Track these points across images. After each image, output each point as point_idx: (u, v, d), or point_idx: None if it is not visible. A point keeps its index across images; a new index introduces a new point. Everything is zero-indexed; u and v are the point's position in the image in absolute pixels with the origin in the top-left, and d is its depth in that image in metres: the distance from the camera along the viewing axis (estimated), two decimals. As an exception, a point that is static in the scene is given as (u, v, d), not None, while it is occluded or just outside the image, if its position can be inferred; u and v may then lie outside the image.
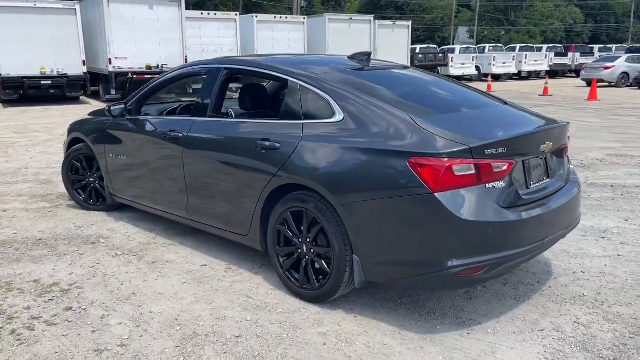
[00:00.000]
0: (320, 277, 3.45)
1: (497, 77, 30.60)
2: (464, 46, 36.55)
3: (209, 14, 20.90)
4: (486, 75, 28.65)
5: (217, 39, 20.32)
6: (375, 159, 3.13)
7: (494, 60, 29.96)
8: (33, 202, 5.90)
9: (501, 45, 38.56)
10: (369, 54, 4.16)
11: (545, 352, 3.02)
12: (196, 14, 20.72)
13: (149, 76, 17.09)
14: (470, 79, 29.78)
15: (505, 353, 3.00)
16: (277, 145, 3.57)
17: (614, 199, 6.06)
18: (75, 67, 17.23)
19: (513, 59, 30.84)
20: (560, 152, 3.72)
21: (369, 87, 3.58)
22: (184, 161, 4.20)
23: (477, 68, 29.51)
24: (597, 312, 3.47)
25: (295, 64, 3.94)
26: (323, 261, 3.41)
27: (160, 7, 17.57)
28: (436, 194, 2.92)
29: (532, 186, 3.36)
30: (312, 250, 3.46)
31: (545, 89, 20.45)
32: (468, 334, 3.21)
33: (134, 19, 17.14)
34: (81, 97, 18.52)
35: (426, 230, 2.99)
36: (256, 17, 21.43)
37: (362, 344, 3.07)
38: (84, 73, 17.43)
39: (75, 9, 17.16)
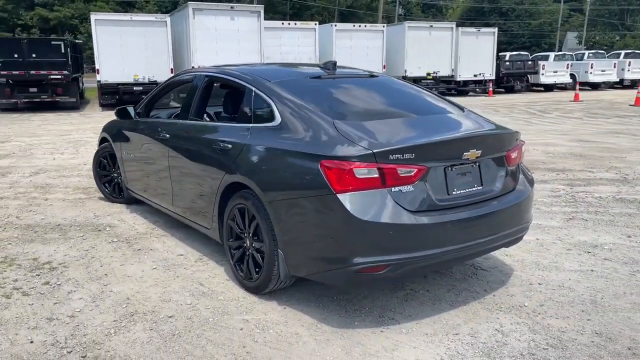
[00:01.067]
0: (257, 269, 3.73)
1: (595, 86, 28.80)
2: (560, 53, 34.71)
3: (289, 23, 21.70)
4: (584, 83, 27.09)
5: (296, 47, 21.06)
6: (297, 160, 3.37)
7: (591, 67, 28.20)
8: (73, 193, 6.68)
9: (603, 52, 36.07)
10: (334, 63, 4.37)
11: (445, 353, 3.09)
12: (277, 23, 21.62)
13: (228, 83, 18.16)
14: (564, 87, 28.30)
15: (405, 351, 3.11)
16: (229, 146, 3.91)
17: (631, 215, 5.74)
18: (164, 74, 18.65)
19: (614, 67, 28.83)
20: (500, 160, 3.71)
21: (312, 95, 3.81)
22: (169, 160, 4.67)
23: (573, 76, 27.95)
24: (525, 322, 3.45)
25: (259, 72, 4.24)
26: (259, 255, 3.70)
27: (241, 17, 18.57)
28: (338, 195, 3.11)
29: (454, 192, 3.42)
30: (253, 245, 3.76)
31: (637, 99, 19.02)
32: (381, 331, 3.34)
33: (216, 30, 18.27)
34: (169, 102, 19.97)
35: (332, 229, 3.18)
36: (335, 25, 21.92)
37: (275, 332, 3.31)
38: (169, 80, 18.82)
39: (165, 21, 18.63)
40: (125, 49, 18.09)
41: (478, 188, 3.57)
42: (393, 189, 3.17)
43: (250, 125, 3.87)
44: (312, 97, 3.75)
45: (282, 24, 21.69)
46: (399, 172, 3.16)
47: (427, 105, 4.10)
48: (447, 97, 4.43)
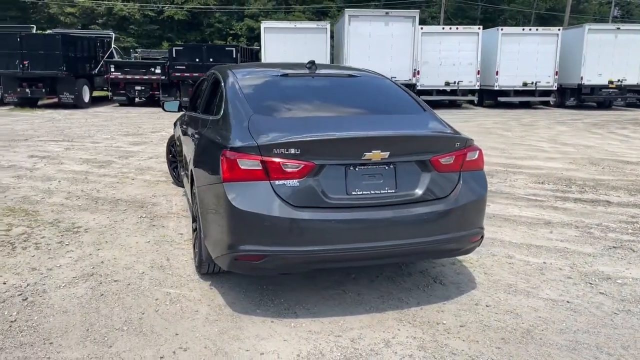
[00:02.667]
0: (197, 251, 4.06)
1: None
2: None
3: (450, 28, 21.19)
4: None
5: (456, 52, 20.50)
6: (212, 151, 3.63)
7: None
8: (156, 177, 7.68)
9: None
10: (312, 62, 4.43)
11: (307, 351, 3.09)
12: (437, 28, 21.31)
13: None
14: None
15: (273, 342, 3.18)
16: (197, 137, 4.30)
17: (699, 251, 4.74)
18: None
19: None
20: (423, 165, 3.48)
21: (259, 92, 4.00)
22: (189, 146, 5.22)
23: None
24: (422, 338, 3.25)
25: (239, 70, 4.49)
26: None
27: (396, 23, 18.77)
28: (224, 184, 3.29)
29: (355, 193, 3.34)
30: (194, 227, 4.10)
31: None
32: (272, 321, 3.43)
33: (369, 35, 18.73)
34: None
35: (221, 216, 3.37)
36: (501, 29, 20.79)
37: (180, 307, 3.60)
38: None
39: (326, 28, 19.66)
40: (287, 53, 19.50)
41: (390, 191, 3.42)
42: (277, 182, 3.24)
43: (210, 117, 4.19)
44: (257, 94, 3.94)
45: (443, 28, 21.30)
46: (283, 166, 3.22)
47: (374, 106, 4.00)
48: (421, 101, 4.21)
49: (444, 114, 15.85)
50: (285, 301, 3.70)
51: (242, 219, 3.24)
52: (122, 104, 20.70)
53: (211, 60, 18.97)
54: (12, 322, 3.36)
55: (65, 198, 6.35)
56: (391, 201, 3.41)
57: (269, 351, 3.08)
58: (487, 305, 3.69)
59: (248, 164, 3.24)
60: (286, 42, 19.55)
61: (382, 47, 18.74)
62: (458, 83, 20.64)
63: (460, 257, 4.53)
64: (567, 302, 3.75)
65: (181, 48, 19.70)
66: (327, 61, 19.53)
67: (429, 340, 3.22)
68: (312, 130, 3.40)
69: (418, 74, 19.66)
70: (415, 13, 19.00)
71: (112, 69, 19.72)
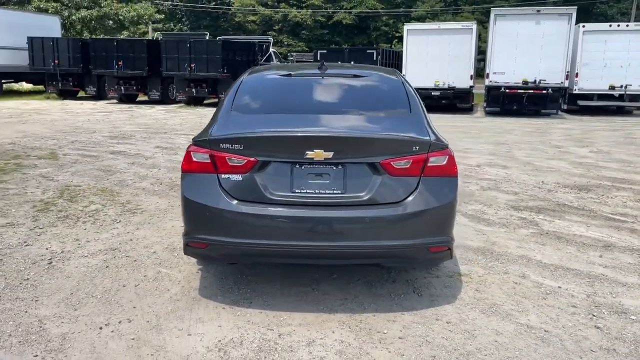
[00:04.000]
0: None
1: None
2: None
3: (618, 25, 18.89)
4: None
5: (625, 53, 18.24)
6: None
7: None
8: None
9: None
10: (322, 63, 4.47)
11: (231, 338, 3.23)
12: (602, 26, 19.17)
13: (522, 91, 17.37)
14: None
15: (203, 325, 3.37)
16: None
17: None
18: (464, 81, 19.04)
19: None
20: (373, 167, 3.36)
21: (253, 90, 4.18)
22: None
23: None
24: (349, 343, 3.18)
25: (259, 69, 4.70)
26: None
27: (548, 21, 17.33)
28: (182, 174, 3.57)
29: (299, 191, 3.37)
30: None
31: None
32: (223, 308, 3.63)
33: (517, 35, 17.55)
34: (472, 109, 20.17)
35: (180, 204, 3.65)
36: (583, 26, 17.99)
37: (159, 284, 3.96)
38: (470, 87, 19.05)
39: (471, 29, 18.92)
40: (430, 55, 19.17)
41: (337, 192, 3.38)
42: (223, 175, 3.42)
43: None
44: (249, 93, 4.14)
45: (610, 26, 19.06)
46: (228, 160, 3.40)
47: (352, 107, 3.93)
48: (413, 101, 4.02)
49: (603, 122, 14.17)
50: (251, 291, 3.86)
51: (191, 208, 3.49)
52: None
53: (352, 62, 19.44)
54: (24, 280, 4.02)
55: (150, 184, 7.18)
56: (337, 202, 3.38)
57: (197, 333, 3.28)
58: (447, 322, 3.45)
59: (199, 157, 3.47)
60: (429, 44, 19.22)
61: (531, 47, 17.41)
62: (626, 87, 18.36)
63: (463, 270, 4.26)
64: (545, 331, 3.34)
65: (325, 51, 20.52)
66: (472, 64, 18.77)
67: (354, 347, 3.15)
68: (265, 127, 3.52)
69: (576, 76, 17.93)
70: (572, 10, 17.31)
71: (265, 71, 21.22)
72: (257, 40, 24.20)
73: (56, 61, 22.05)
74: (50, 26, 25.43)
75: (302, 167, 3.39)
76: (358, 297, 3.80)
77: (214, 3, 51.60)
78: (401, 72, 19.15)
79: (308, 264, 4.08)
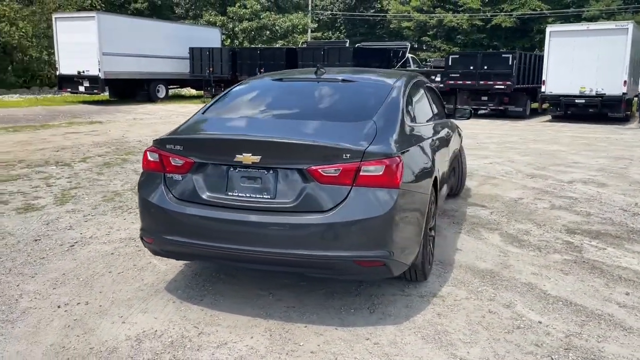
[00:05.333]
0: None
1: None
2: None
3: None
4: None
5: None
6: None
7: None
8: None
9: None
10: (318, 67, 4.42)
11: (155, 330, 3.38)
12: None
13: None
14: None
15: (145, 317, 3.55)
16: None
17: None
18: (614, 87, 17.03)
19: None
20: (301, 174, 3.25)
21: (242, 93, 4.31)
22: None
23: None
24: (256, 350, 3.15)
25: (262, 74, 4.83)
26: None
27: None
28: (142, 171, 3.82)
29: (232, 194, 3.40)
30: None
31: None
32: (173, 302, 3.78)
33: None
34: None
35: None
36: None
37: (139, 273, 4.25)
38: (622, 94, 16.97)
39: (627, 28, 16.87)
40: (576, 59, 17.46)
41: (266, 197, 3.35)
42: (168, 175, 3.59)
43: None
44: (232, 96, 4.27)
45: None
46: (172, 161, 3.55)
47: (318, 112, 3.86)
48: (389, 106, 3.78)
49: None
50: (212, 289, 3.97)
51: (141, 204, 3.71)
52: (406, 110, 21.90)
53: (485, 68, 18.48)
54: (41, 259, 4.58)
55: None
56: (265, 207, 3.34)
57: (131, 322, 3.48)
58: (374, 343, 3.23)
59: (152, 156, 3.68)
60: (575, 48, 17.53)
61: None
62: None
63: (443, 292, 3.93)
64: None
65: (457, 56, 19.72)
66: (626, 69, 16.67)
67: (258, 354, 3.10)
68: (210, 130, 3.61)
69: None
70: None
71: (398, 77, 21.10)
72: (393, 46, 24.12)
73: (210, 69, 24.25)
74: (211, 37, 28.04)
75: (237, 171, 3.42)
76: (307, 306, 3.70)
77: (372, 11, 52.47)
78: (544, 78, 17.72)
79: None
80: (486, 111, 20.62)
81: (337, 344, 3.22)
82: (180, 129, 3.78)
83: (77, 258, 4.58)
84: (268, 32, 34.93)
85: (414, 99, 4.53)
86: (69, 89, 23.41)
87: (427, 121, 4.80)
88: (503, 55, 18.82)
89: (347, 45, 25.05)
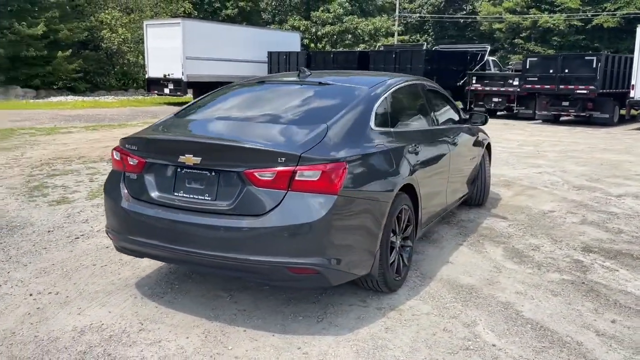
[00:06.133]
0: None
1: None
2: None
3: None
4: None
5: None
6: None
7: None
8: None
9: None
10: (302, 69, 4.37)
11: (102, 323, 3.49)
12: None
13: None
14: None
15: (102, 311, 3.67)
16: None
17: None
18: None
19: None
20: (239, 177, 3.22)
21: (216, 96, 4.35)
22: None
23: None
24: (183, 348, 3.17)
25: (262, 77, 4.84)
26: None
27: None
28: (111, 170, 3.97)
29: (178, 194, 3.44)
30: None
31: None
32: (134, 298, 3.88)
33: None
34: None
35: None
36: None
37: (120, 267, 4.41)
38: None
39: None
40: None
41: (208, 198, 3.35)
42: (126, 173, 3.70)
43: None
44: (209, 98, 4.34)
45: None
46: (129, 160, 3.66)
47: (276, 115, 3.81)
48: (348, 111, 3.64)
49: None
50: (177, 288, 4.03)
51: (104, 200, 3.85)
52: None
53: (566, 71, 17.34)
54: (43, 249, 4.87)
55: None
56: (205, 209, 3.35)
57: (86, 314, 3.61)
58: (304, 353, 3.13)
59: (116, 155, 3.80)
60: None
61: None
62: None
63: (406, 306, 3.75)
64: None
65: (535, 59, 18.67)
66: None
67: (183, 354, 3.11)
68: (164, 131, 3.69)
69: None
70: None
71: (474, 81, 20.38)
72: (473, 49, 23.28)
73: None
74: (291, 42, 28.57)
75: (183, 172, 3.45)
76: (259, 310, 3.66)
77: (462, 13, 51.04)
78: (632, 82, 16.24)
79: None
80: (569, 117, 19.36)
81: (266, 350, 3.16)
82: (144, 129, 3.89)
83: (74, 250, 4.83)
84: (350, 36, 35.01)
85: (399, 104, 4.36)
86: (156, 91, 24.81)
87: (419, 126, 4.59)
88: (586, 58, 17.56)
89: (425, 48, 24.54)
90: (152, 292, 3.96)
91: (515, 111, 19.67)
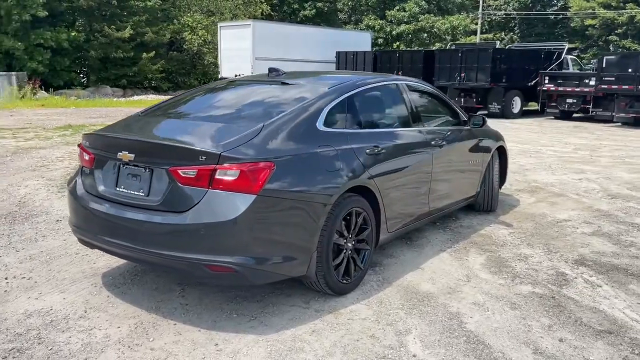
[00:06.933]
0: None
1: None
2: None
3: None
4: None
5: None
6: None
7: None
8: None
9: None
10: (274, 69, 4.40)
11: (51, 308, 3.71)
12: None
13: None
14: None
15: (57, 297, 3.88)
16: None
17: None
18: None
19: None
20: (167, 174, 3.29)
21: (186, 95, 4.47)
22: None
23: None
24: (117, 341, 3.29)
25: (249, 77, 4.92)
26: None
27: None
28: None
29: (119, 189, 3.57)
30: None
31: None
32: (93, 287, 4.07)
33: None
34: None
35: None
36: None
37: (95, 263, 4.66)
38: None
39: None
40: None
41: (141, 194, 3.46)
42: (83, 168, 3.89)
43: None
44: (181, 97, 4.47)
45: None
46: (84, 155, 3.85)
47: (228, 113, 3.92)
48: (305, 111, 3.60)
49: None
50: (139, 280, 4.16)
51: (66, 193, 4.07)
52: (555, 117, 19.88)
53: (646, 71, 16.01)
54: (42, 236, 5.22)
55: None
56: (137, 204, 3.46)
57: (43, 299, 3.83)
58: (217, 350, 3.15)
59: (79, 149, 4.01)
60: None
61: None
62: None
63: (348, 310, 3.67)
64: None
65: (613, 57, 17.35)
66: None
67: (110, 342, 3.23)
68: (117, 127, 3.85)
69: None
70: None
71: (546, 81, 19.32)
72: (548, 47, 22.05)
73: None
74: (362, 41, 28.53)
75: (124, 167, 3.58)
76: (201, 306, 3.70)
77: (552, 9, 48.54)
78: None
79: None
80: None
81: (184, 344, 3.21)
82: (109, 125, 4.07)
83: (67, 239, 5.13)
84: (425, 35, 34.32)
85: (364, 105, 4.26)
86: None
87: (388, 128, 4.47)
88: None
89: (494, 47, 23.56)
90: (112, 282, 4.13)
91: (591, 113, 18.41)
